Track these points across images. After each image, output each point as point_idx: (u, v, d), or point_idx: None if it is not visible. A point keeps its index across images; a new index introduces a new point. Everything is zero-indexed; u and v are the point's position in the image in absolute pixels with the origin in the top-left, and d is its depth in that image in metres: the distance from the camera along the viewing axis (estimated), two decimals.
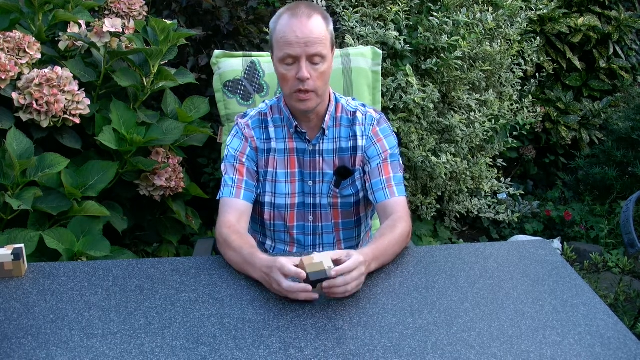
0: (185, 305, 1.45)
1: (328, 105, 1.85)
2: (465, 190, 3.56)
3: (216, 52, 2.31)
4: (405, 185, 2.45)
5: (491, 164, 3.68)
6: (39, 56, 2.23)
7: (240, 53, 2.33)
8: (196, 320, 1.39)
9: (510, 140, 3.66)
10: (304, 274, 1.43)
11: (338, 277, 1.44)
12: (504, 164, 3.79)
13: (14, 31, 2.21)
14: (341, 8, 3.21)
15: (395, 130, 2.93)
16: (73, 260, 1.98)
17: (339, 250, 1.53)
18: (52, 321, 1.38)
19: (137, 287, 1.53)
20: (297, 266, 1.45)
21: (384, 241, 1.65)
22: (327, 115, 1.84)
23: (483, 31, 3.32)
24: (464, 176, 3.44)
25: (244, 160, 1.84)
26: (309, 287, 1.43)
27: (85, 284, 1.55)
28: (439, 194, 3.55)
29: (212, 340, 1.31)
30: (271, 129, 1.86)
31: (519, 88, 3.77)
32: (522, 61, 3.71)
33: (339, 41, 3.16)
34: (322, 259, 1.43)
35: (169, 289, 1.53)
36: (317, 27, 1.68)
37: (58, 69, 2.19)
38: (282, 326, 1.37)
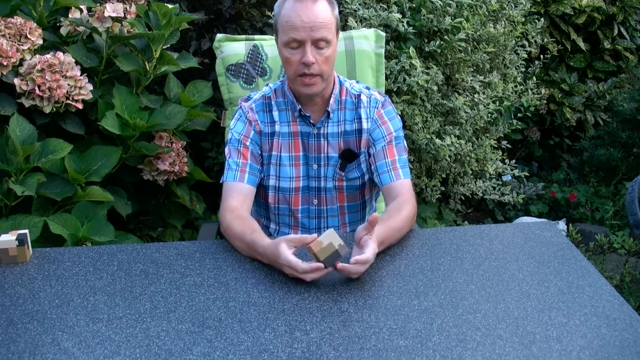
0: (190, 289, 1.45)
1: (332, 88, 1.84)
2: (470, 172, 3.55)
3: (218, 35, 2.30)
4: (410, 168, 2.44)
5: (495, 145, 3.66)
6: (40, 42, 2.21)
7: (243, 37, 2.32)
8: (201, 304, 1.39)
9: (514, 122, 3.65)
10: (307, 240, 1.45)
11: (354, 265, 1.45)
12: (508, 145, 3.77)
13: (15, 17, 2.20)
14: None
15: (399, 113, 2.91)
16: (77, 246, 1.97)
17: (361, 226, 1.53)
18: (57, 306, 1.38)
19: (141, 272, 1.53)
20: (308, 249, 1.45)
21: (391, 223, 1.65)
22: (331, 99, 1.83)
23: (486, 13, 3.29)
24: (468, 158, 3.43)
25: (247, 143, 1.83)
26: (321, 266, 1.44)
27: (90, 268, 1.55)
28: (444, 176, 3.54)
29: (217, 324, 1.31)
30: (275, 113, 1.85)
31: (523, 70, 3.74)
32: (526, 43, 3.68)
33: (342, 24, 3.14)
34: (329, 239, 1.43)
35: (173, 273, 1.52)
36: (322, 11, 1.67)
37: (60, 54, 2.18)
38: (287, 309, 1.37)
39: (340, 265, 1.45)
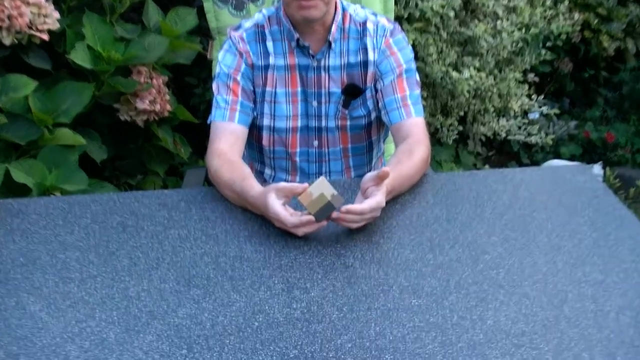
0: (175, 243, 1.45)
1: (334, 14, 1.81)
2: (492, 109, 3.53)
3: None
4: (423, 105, 2.42)
5: (521, 79, 3.63)
6: None
7: None
8: (187, 260, 1.39)
9: (543, 52, 3.61)
10: (298, 190, 1.44)
11: (348, 216, 1.45)
12: (535, 79, 3.74)
13: None
14: None
15: (411, 43, 2.88)
16: (45, 196, 1.98)
17: (370, 175, 1.52)
18: (22, 264, 1.38)
19: (119, 224, 1.53)
20: (299, 202, 1.44)
21: (401, 169, 1.65)
22: (333, 26, 1.80)
23: None
24: (489, 94, 3.41)
25: (238, 78, 1.81)
26: (312, 219, 1.43)
27: (60, 222, 1.54)
28: (461, 114, 3.53)
29: (205, 282, 1.31)
30: (269, 43, 1.83)
31: None
32: None
33: None
34: (320, 189, 1.42)
35: (155, 226, 1.52)
36: None
37: None
38: (284, 265, 1.37)
39: (335, 214, 1.45)
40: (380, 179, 1.48)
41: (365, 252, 1.42)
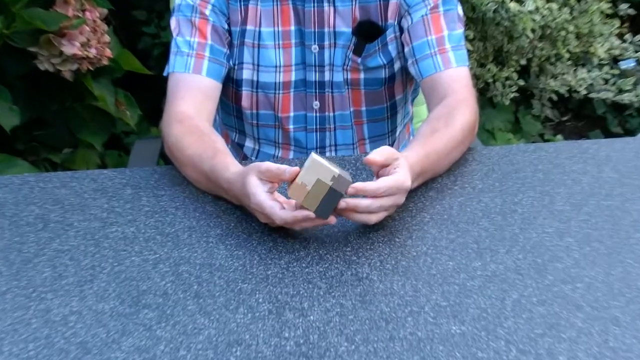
0: (117, 245, 1.46)
1: None
2: (567, 56, 3.53)
3: None
4: (468, 50, 2.42)
5: (609, 12, 3.62)
6: None
7: None
8: (135, 270, 1.39)
9: None
10: (285, 176, 1.40)
11: (361, 203, 1.42)
12: (630, 11, 3.73)
13: None
14: None
15: None
16: None
17: (382, 149, 1.48)
18: None
19: (37, 219, 1.54)
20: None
21: (436, 142, 1.65)
22: None
23: None
24: (563, 33, 3.40)
25: (207, 12, 1.83)
26: (311, 214, 1.40)
27: None
28: (523, 62, 3.52)
29: (161, 301, 1.31)
30: None
31: None
32: None
33: None
34: (314, 173, 1.38)
35: (90, 221, 1.53)
36: None
37: None
38: (272, 276, 1.37)
39: (342, 203, 1.42)
40: (375, 164, 1.46)
41: (385, 258, 1.42)
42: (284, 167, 1.40)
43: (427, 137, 1.65)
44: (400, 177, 1.43)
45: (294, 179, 1.38)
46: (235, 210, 1.55)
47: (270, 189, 1.43)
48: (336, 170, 1.38)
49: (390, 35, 1.88)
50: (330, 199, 1.39)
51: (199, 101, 1.77)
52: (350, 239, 1.47)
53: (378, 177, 1.47)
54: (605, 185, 1.62)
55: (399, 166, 1.45)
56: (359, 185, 1.39)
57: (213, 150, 1.61)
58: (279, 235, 1.47)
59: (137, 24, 3.29)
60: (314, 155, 1.38)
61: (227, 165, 1.55)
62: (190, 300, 1.32)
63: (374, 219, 1.45)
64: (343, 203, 1.42)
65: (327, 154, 1.99)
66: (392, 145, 2.04)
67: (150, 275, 1.38)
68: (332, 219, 1.42)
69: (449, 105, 1.74)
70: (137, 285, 1.35)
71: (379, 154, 1.43)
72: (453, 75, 1.81)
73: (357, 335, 1.24)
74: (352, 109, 1.96)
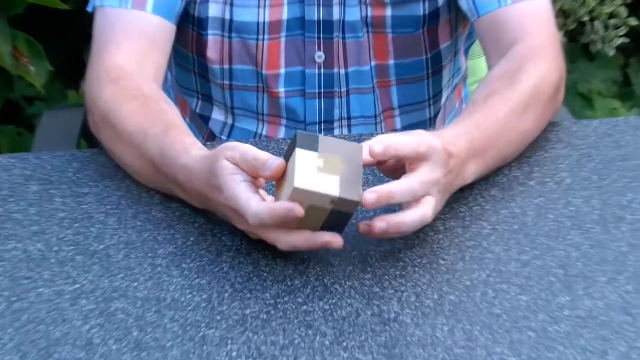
0: (16, 271, 1.43)
1: None
2: None
3: None
4: None
5: None
6: None
7: None
8: (44, 308, 1.36)
9: None
10: (267, 171, 1.36)
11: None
12: None
13: None
14: None
15: None
16: None
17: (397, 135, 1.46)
18: None
19: None
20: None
21: (499, 111, 1.62)
22: None
23: None
24: None
25: None
26: (300, 210, 1.35)
27: None
28: None
29: (83, 356, 1.27)
30: None
31: None
32: None
33: None
34: (307, 199, 1.35)
35: None
36: None
37: None
38: (253, 317, 1.33)
39: (364, 227, 1.40)
40: (376, 157, 1.40)
41: (424, 290, 1.38)
42: (266, 156, 1.36)
43: (479, 103, 1.64)
44: (432, 168, 1.41)
45: (281, 179, 1.37)
46: (197, 217, 1.53)
47: (248, 183, 1.40)
48: (335, 186, 1.34)
49: None
50: (336, 220, 1.39)
51: (142, 51, 1.77)
52: (371, 260, 1.44)
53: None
54: None
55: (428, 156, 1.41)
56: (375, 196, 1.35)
57: (164, 124, 1.59)
58: (264, 254, 1.45)
59: None
60: (297, 184, 1.33)
61: (186, 147, 1.52)
62: (128, 355, 1.28)
63: (404, 234, 1.44)
64: (382, 223, 1.39)
65: (337, 131, 2.00)
66: (434, 118, 2.08)
67: (66, 316, 1.34)
68: (339, 242, 1.38)
69: (519, 57, 1.73)
70: (46, 332, 1.31)
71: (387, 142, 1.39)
72: (525, 11, 1.80)
73: None
74: (374, 64, 1.95)
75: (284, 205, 1.33)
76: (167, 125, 1.58)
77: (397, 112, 2.02)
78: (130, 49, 1.76)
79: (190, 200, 1.54)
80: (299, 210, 1.32)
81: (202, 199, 1.50)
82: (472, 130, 1.55)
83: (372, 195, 1.34)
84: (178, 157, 1.51)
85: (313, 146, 1.35)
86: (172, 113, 1.64)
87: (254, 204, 1.34)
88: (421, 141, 1.40)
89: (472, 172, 1.55)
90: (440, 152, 1.42)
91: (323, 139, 1.36)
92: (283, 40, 1.93)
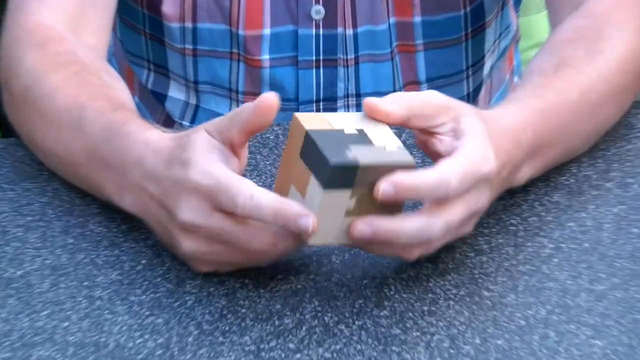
0: None
1: None
2: None
3: None
4: None
5: None
6: None
7: None
8: None
9: None
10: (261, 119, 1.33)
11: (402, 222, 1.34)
12: None
13: None
14: None
15: None
16: None
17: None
18: None
19: None
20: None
21: (571, 91, 1.59)
22: None
23: None
24: None
25: None
26: (312, 217, 1.32)
27: None
28: None
29: None
30: None
31: None
32: None
33: None
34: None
35: None
36: None
37: None
38: None
39: (366, 228, 1.33)
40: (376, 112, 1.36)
41: (461, 332, 1.34)
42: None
43: (547, 76, 1.59)
44: (470, 152, 1.34)
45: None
46: (150, 231, 1.48)
47: (234, 166, 1.36)
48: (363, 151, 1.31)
49: None
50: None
51: (76, 5, 1.74)
52: (389, 291, 1.41)
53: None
54: None
55: (462, 129, 1.37)
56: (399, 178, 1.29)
57: (109, 100, 1.56)
58: (242, 282, 1.41)
59: None
60: (297, 118, 1.33)
61: (147, 126, 1.48)
62: None
63: (417, 253, 1.38)
64: (364, 225, 1.34)
65: (342, 111, 1.96)
66: (473, 94, 2.05)
67: None
68: (310, 222, 1.31)
69: (595, 14, 1.71)
70: None
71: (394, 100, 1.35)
72: None
73: None
74: (393, 21, 1.93)
75: (294, 208, 1.28)
76: (112, 103, 1.54)
77: (424, 86, 1.98)
78: (60, 3, 1.74)
79: (120, 194, 1.47)
80: (312, 222, 1.29)
81: (142, 187, 1.43)
82: (538, 117, 1.51)
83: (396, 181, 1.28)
84: (136, 132, 1.45)
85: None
86: (119, 89, 1.61)
87: (249, 182, 1.30)
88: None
89: (526, 170, 1.51)
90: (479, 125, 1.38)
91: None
92: None
